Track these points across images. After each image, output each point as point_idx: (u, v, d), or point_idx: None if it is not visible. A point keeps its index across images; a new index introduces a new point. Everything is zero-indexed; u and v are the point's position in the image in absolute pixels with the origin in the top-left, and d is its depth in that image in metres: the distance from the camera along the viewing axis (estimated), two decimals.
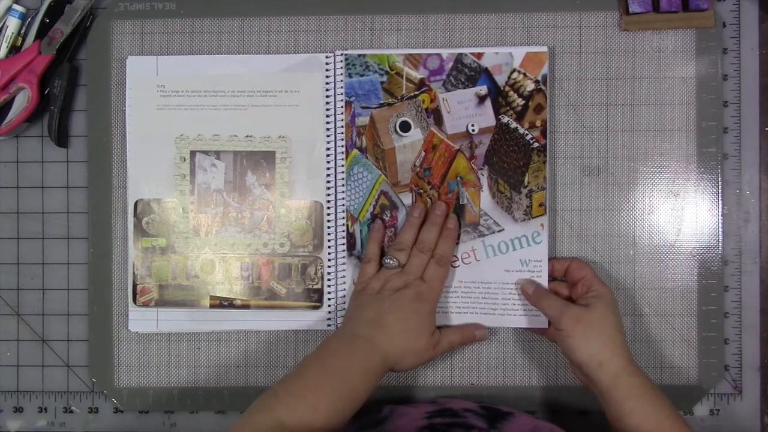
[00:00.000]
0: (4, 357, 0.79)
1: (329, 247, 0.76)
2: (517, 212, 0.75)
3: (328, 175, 0.76)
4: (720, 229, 0.76)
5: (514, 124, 0.74)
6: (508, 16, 0.76)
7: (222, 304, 0.76)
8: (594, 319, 0.68)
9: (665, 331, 0.76)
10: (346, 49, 0.76)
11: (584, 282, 0.71)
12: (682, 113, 0.76)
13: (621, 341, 0.67)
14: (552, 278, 0.74)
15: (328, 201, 0.76)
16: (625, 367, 0.66)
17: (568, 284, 0.74)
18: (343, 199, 0.76)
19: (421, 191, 0.75)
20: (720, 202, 0.76)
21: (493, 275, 0.74)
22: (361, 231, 0.75)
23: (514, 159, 0.74)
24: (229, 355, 0.78)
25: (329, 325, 0.76)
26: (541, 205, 0.74)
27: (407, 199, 0.75)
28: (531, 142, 0.74)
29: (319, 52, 0.76)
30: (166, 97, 0.76)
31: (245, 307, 0.76)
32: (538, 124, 0.74)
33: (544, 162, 0.74)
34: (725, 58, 0.76)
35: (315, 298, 0.76)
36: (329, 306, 0.76)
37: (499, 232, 0.75)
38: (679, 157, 0.76)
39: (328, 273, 0.76)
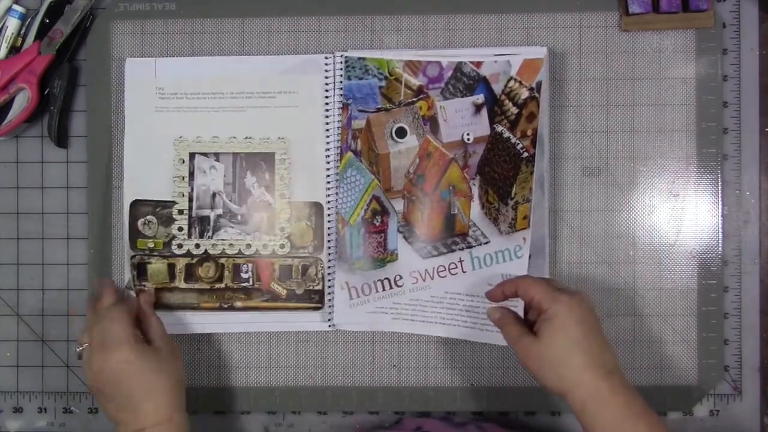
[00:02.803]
0: (3, 357, 0.79)
1: (329, 248, 0.76)
2: (502, 224, 0.74)
3: (327, 176, 0.76)
4: (720, 230, 0.76)
5: (506, 134, 0.73)
6: (507, 17, 0.76)
7: (222, 306, 0.76)
8: (542, 351, 0.62)
9: (665, 331, 0.76)
10: (346, 50, 0.76)
11: (534, 305, 0.65)
12: (682, 114, 0.76)
13: (583, 366, 0.61)
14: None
15: (328, 202, 0.76)
16: (591, 397, 0.60)
17: None
18: (335, 200, 0.75)
19: (414, 198, 0.75)
20: (720, 203, 0.76)
21: (478, 288, 0.73)
22: (351, 234, 0.75)
23: (505, 169, 0.74)
24: (230, 356, 0.77)
25: (330, 326, 0.76)
26: (525, 217, 0.74)
27: (399, 205, 0.75)
28: (521, 152, 0.73)
29: (319, 53, 0.76)
30: (164, 99, 0.76)
31: (246, 309, 0.76)
32: (528, 133, 0.73)
33: (531, 173, 0.73)
34: (725, 58, 0.76)
35: (316, 299, 0.76)
36: (330, 307, 0.76)
37: (485, 243, 0.74)
38: (679, 158, 0.76)
39: (329, 274, 0.76)
